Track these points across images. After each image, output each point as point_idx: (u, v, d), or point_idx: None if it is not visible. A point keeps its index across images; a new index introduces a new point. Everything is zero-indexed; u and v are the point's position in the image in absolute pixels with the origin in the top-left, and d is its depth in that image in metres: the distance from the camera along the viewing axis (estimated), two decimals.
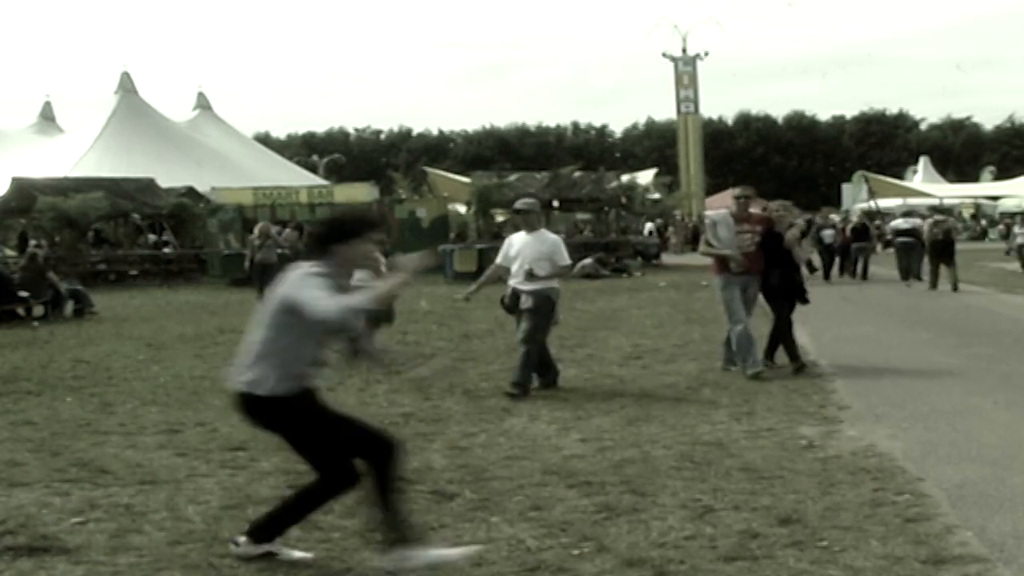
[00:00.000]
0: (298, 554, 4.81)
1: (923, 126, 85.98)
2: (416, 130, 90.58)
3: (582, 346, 12.66)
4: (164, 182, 33.05)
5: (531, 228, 9.60)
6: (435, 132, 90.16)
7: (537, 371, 9.54)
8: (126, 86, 45.25)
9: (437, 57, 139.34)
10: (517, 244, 9.62)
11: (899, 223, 25.60)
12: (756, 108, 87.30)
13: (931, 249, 21.71)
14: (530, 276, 9.31)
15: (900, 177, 62.57)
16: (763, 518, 5.31)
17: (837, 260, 25.56)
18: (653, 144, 79.03)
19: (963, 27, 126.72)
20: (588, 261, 27.91)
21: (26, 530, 5.34)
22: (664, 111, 76.41)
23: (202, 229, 32.57)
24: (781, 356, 10.50)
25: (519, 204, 10.16)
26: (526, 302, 9.37)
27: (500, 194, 31.54)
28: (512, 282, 9.53)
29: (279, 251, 22.21)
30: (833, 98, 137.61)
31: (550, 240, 9.65)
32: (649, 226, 43.45)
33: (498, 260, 9.83)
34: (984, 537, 4.90)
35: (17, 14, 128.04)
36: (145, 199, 32.10)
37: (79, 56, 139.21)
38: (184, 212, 32.52)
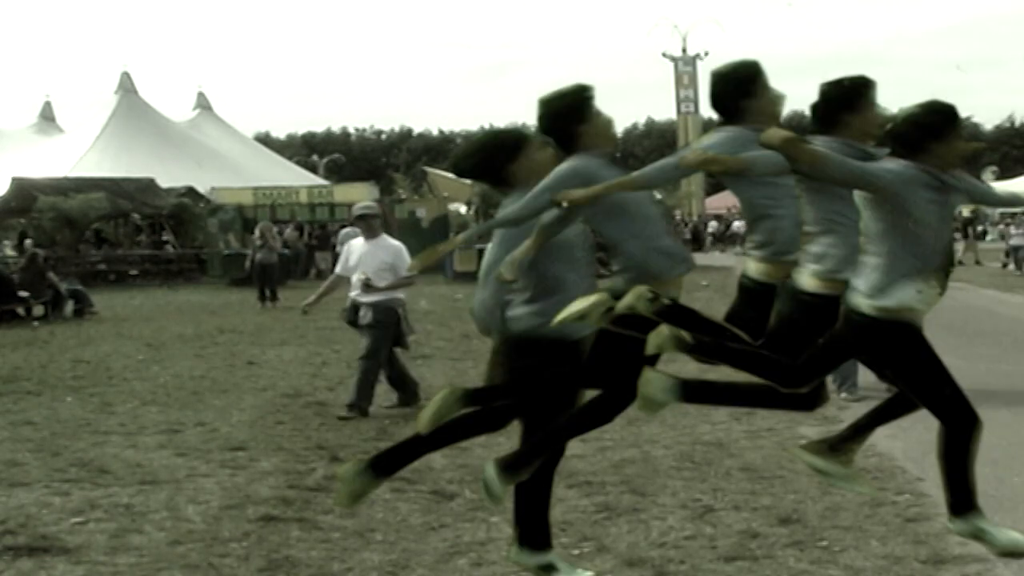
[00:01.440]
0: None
1: None
2: (416, 130, 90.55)
3: None
4: (164, 182, 33.02)
5: (372, 234, 8.97)
6: (435, 132, 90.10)
7: (395, 386, 8.96)
8: (126, 86, 45.19)
9: (437, 57, 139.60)
10: (356, 252, 8.96)
11: None
12: None
13: None
14: (366, 287, 8.66)
15: None
16: (763, 518, 5.32)
17: None
18: (653, 144, 78.89)
19: (963, 27, 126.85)
20: None
21: (26, 530, 5.34)
22: (664, 111, 76.55)
23: (202, 229, 32.57)
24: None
25: (358, 209, 9.51)
26: (365, 316, 8.68)
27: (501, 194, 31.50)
28: (352, 293, 8.89)
29: (280, 251, 22.20)
30: None
31: (392, 247, 8.94)
32: None
33: (337, 270, 9.25)
34: None
35: (17, 14, 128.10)
36: (145, 199, 32.06)
37: (79, 56, 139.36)
38: (184, 212, 32.50)
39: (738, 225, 46.19)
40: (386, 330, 8.75)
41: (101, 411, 8.91)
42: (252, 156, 46.75)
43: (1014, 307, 17.71)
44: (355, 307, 8.80)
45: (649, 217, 4.09)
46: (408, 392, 8.94)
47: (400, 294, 8.93)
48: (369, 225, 9.05)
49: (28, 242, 28.67)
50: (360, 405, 8.57)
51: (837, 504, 5.50)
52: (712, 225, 49.88)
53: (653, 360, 4.01)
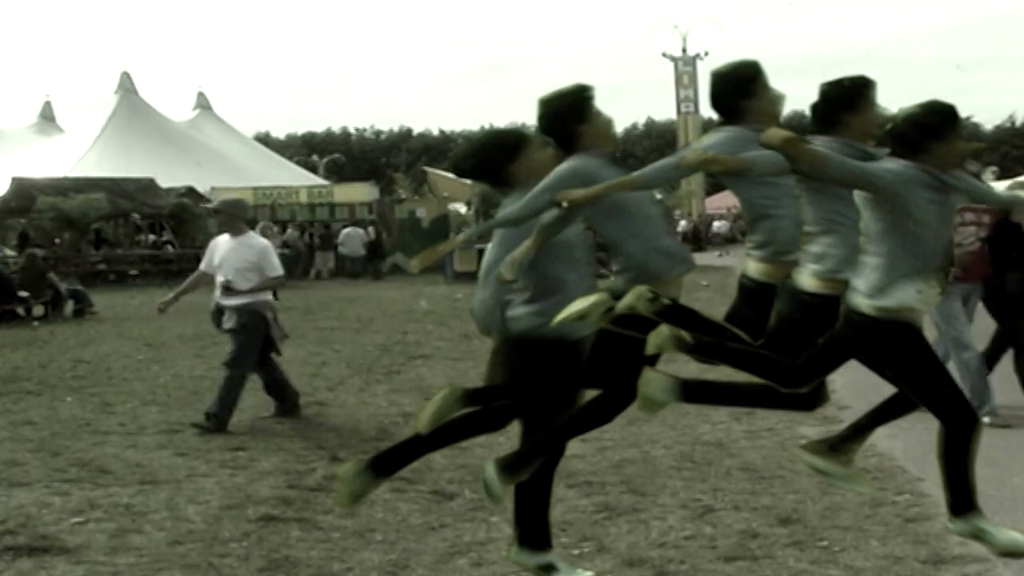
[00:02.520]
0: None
1: None
2: (416, 130, 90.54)
3: None
4: (164, 182, 33.02)
5: (234, 232, 8.27)
6: (435, 132, 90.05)
7: (272, 394, 8.45)
8: (126, 86, 45.20)
9: (437, 57, 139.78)
10: (221, 250, 8.26)
11: None
12: None
13: None
14: (227, 289, 8.07)
15: None
16: (763, 518, 5.32)
17: None
18: (653, 144, 78.91)
19: (963, 27, 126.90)
20: None
21: (26, 530, 5.34)
22: (664, 111, 76.55)
23: (202, 229, 32.53)
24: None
25: (218, 203, 8.81)
26: (229, 320, 8.11)
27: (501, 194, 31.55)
28: (216, 296, 8.26)
29: (282, 251, 22.16)
30: None
31: (258, 246, 8.32)
32: None
33: (202, 267, 8.46)
34: None
35: (17, 14, 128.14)
36: (145, 199, 32.06)
37: (79, 56, 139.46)
38: (184, 212, 32.51)
39: (718, 225, 46.25)
40: (251, 336, 8.17)
41: (101, 411, 8.91)
42: (252, 156, 46.75)
43: None
44: (220, 310, 8.25)
45: (649, 217, 4.09)
46: (287, 401, 8.44)
47: (267, 296, 8.40)
48: (228, 222, 8.37)
49: (56, 241, 28.57)
50: (219, 415, 7.85)
51: (837, 504, 5.50)
52: (682, 225, 49.86)
53: (653, 360, 4.01)
